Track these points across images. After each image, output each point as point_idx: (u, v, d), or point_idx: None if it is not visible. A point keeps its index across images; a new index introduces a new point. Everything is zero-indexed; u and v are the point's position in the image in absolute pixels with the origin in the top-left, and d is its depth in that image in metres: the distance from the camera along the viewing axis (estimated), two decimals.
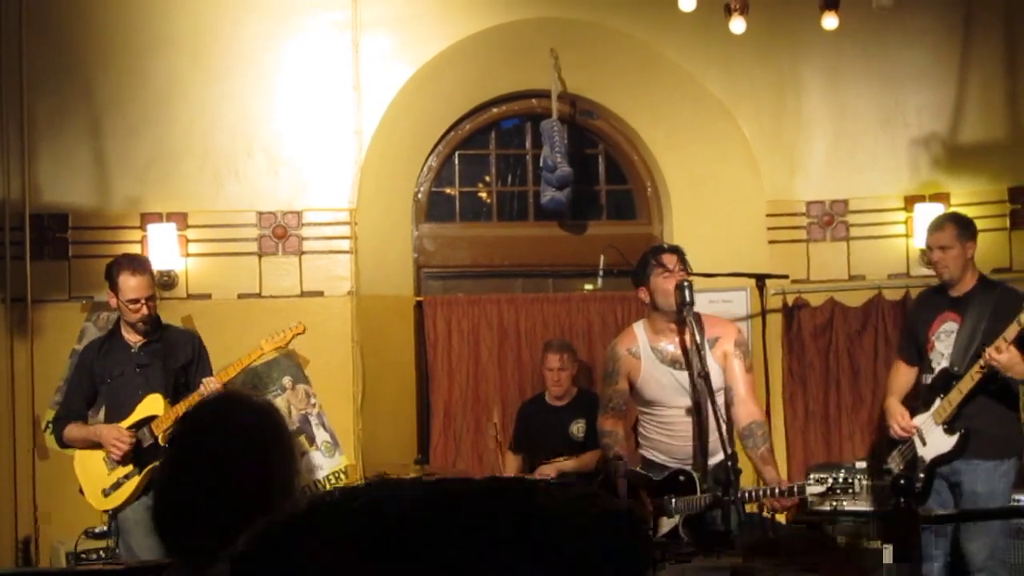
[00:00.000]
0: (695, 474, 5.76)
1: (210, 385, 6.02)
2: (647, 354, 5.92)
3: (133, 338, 6.28)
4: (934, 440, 6.20)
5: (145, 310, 6.17)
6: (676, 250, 5.94)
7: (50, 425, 6.86)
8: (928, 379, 6.35)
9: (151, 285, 6.25)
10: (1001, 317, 5.98)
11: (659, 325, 5.91)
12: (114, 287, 6.17)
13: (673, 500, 5.77)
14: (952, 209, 7.91)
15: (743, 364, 5.94)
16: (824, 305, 8.17)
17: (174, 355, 6.26)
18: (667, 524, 5.78)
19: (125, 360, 6.25)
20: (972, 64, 8.05)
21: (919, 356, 6.49)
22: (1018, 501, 6.99)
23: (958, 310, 6.29)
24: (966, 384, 6.08)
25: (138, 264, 6.29)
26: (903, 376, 6.60)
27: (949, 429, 6.14)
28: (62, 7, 7.51)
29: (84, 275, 7.48)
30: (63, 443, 6.42)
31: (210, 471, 2.42)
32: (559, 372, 7.58)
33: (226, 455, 2.44)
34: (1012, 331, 5.87)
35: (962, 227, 6.37)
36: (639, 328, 6.03)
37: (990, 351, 5.91)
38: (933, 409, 6.20)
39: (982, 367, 5.99)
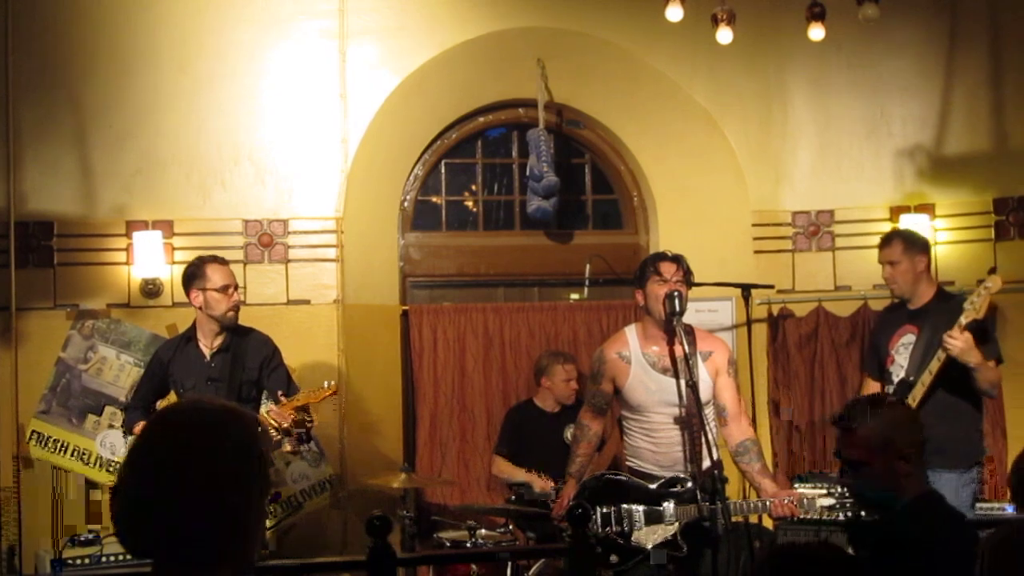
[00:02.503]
0: (691, 482, 5.78)
1: (279, 422, 6.04)
2: (637, 359, 5.97)
3: (208, 344, 6.34)
4: None
5: (236, 296, 6.32)
6: (676, 259, 5.98)
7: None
8: (888, 390, 6.44)
9: (234, 277, 6.40)
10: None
11: (651, 331, 5.96)
12: (200, 282, 6.27)
13: (671, 507, 5.80)
14: (937, 219, 8.00)
15: (734, 382, 6.03)
16: (809, 315, 8.20)
17: (243, 367, 6.32)
18: (664, 532, 5.80)
19: (198, 371, 6.31)
20: (957, 75, 8.09)
21: (880, 370, 6.58)
22: (1002, 510, 7.08)
23: (916, 322, 6.43)
24: (919, 391, 6.19)
25: (218, 257, 6.44)
26: (870, 392, 6.69)
27: None
28: (48, 16, 7.49)
29: (69, 283, 7.46)
30: (131, 432, 6.47)
31: (165, 473, 2.43)
32: (576, 381, 7.66)
33: (180, 458, 2.45)
34: (963, 319, 6.00)
35: (909, 242, 6.51)
36: (631, 332, 6.09)
37: (947, 336, 5.99)
38: None
39: (939, 358, 6.08)
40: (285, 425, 6.07)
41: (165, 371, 6.41)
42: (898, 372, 6.43)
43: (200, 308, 6.31)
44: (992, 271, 6.21)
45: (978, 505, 6.79)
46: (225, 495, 2.44)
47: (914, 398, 6.20)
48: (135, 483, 2.46)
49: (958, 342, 5.98)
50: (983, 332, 6.17)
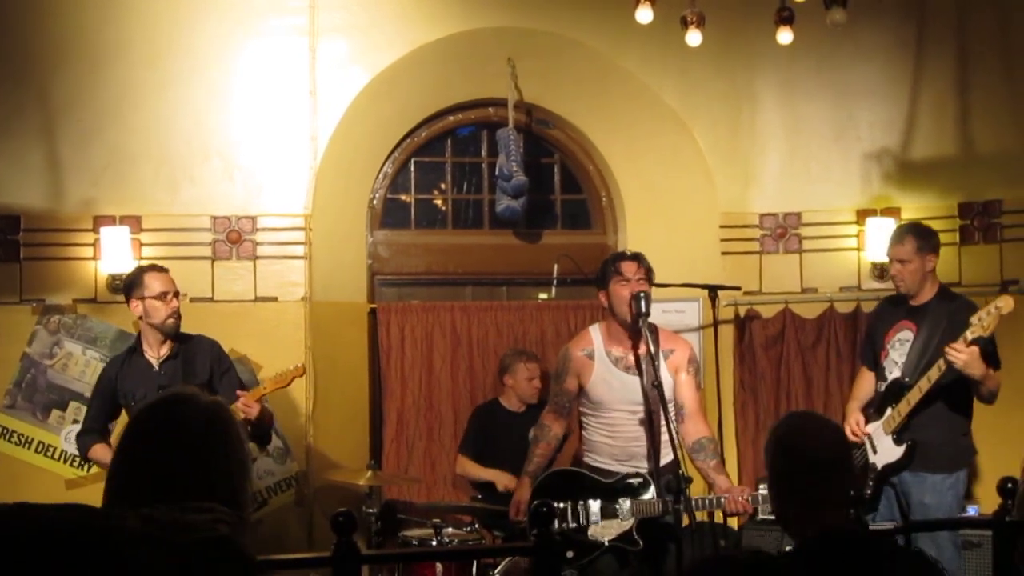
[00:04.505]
0: (650, 477, 5.81)
1: (244, 408, 6.01)
2: (601, 357, 6.01)
3: (155, 353, 6.25)
4: (883, 449, 6.26)
5: (176, 302, 6.21)
6: (636, 257, 6.01)
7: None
8: (881, 387, 6.41)
9: (175, 284, 6.29)
10: (956, 329, 5.98)
11: (615, 330, 6.00)
12: (139, 290, 6.18)
13: (628, 503, 5.83)
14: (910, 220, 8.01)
15: (694, 381, 6.07)
16: (776, 317, 8.23)
17: (194, 373, 6.22)
18: (620, 527, 5.83)
19: (147, 381, 6.20)
20: (924, 80, 8.14)
21: (875, 362, 6.55)
22: (964, 512, 7.11)
23: (915, 319, 6.32)
24: (915, 395, 6.12)
25: (158, 266, 6.37)
26: (865, 382, 6.63)
27: (897, 440, 6.20)
28: (17, 10, 7.45)
29: (36, 277, 7.42)
30: (86, 457, 6.48)
31: (154, 464, 2.47)
32: (539, 380, 7.70)
33: (169, 450, 2.49)
34: (969, 334, 5.89)
35: (923, 240, 6.35)
36: (595, 331, 6.13)
37: (951, 348, 5.89)
38: (884, 418, 6.26)
39: (940, 367, 5.98)
40: (253, 416, 6.06)
41: (114, 388, 6.31)
42: (891, 367, 6.36)
43: (141, 317, 6.25)
44: (1004, 289, 6.09)
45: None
46: (219, 489, 2.48)
47: (908, 402, 6.13)
48: (126, 475, 2.50)
49: (963, 355, 5.86)
50: (987, 343, 6.03)
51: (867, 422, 6.37)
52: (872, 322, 6.85)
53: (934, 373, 6.03)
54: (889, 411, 6.24)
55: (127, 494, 2.48)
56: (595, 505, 5.89)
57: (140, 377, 6.24)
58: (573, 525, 5.88)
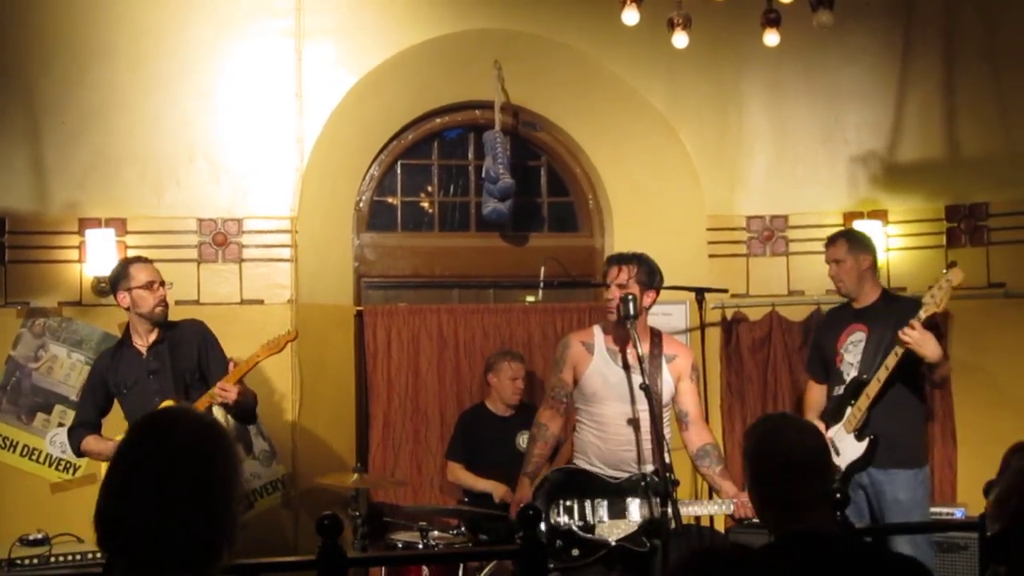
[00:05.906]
0: (657, 480, 5.80)
1: (221, 393, 6.07)
2: (600, 350, 6.02)
3: (143, 342, 6.33)
4: (846, 448, 6.35)
5: (162, 291, 6.31)
6: (619, 261, 6.03)
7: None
8: (839, 390, 6.50)
9: (159, 274, 6.39)
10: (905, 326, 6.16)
11: (611, 329, 6.01)
12: (125, 282, 6.28)
13: (637, 503, 5.82)
14: (889, 225, 8.06)
15: (697, 389, 6.09)
16: (763, 319, 8.23)
17: (182, 354, 6.32)
18: (627, 527, 5.82)
19: (137, 368, 6.30)
20: (911, 83, 8.15)
21: (826, 371, 6.67)
22: (951, 514, 7.14)
23: (864, 321, 6.53)
24: (873, 387, 6.27)
25: (141, 257, 6.47)
26: (815, 394, 6.83)
27: (859, 436, 6.32)
28: (1, 11, 7.42)
29: (20, 280, 7.39)
30: (80, 452, 6.51)
31: (152, 480, 2.46)
32: (522, 380, 7.70)
33: (167, 466, 2.48)
34: (923, 312, 6.08)
35: (854, 241, 6.63)
36: (598, 328, 6.15)
37: (903, 330, 6.07)
38: (844, 418, 6.34)
39: (896, 353, 6.15)
40: (231, 401, 6.07)
41: (105, 382, 6.38)
42: (848, 370, 6.49)
43: (128, 309, 6.33)
44: (952, 264, 6.25)
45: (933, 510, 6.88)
46: (205, 497, 2.47)
47: (868, 395, 6.26)
48: (120, 481, 2.49)
49: (915, 333, 6.04)
50: (935, 328, 6.24)
51: (827, 428, 6.44)
52: (820, 332, 7.03)
53: (891, 360, 6.20)
54: (849, 409, 6.38)
55: (121, 506, 2.47)
56: (602, 504, 5.88)
57: (129, 365, 6.31)
58: (580, 523, 5.86)
